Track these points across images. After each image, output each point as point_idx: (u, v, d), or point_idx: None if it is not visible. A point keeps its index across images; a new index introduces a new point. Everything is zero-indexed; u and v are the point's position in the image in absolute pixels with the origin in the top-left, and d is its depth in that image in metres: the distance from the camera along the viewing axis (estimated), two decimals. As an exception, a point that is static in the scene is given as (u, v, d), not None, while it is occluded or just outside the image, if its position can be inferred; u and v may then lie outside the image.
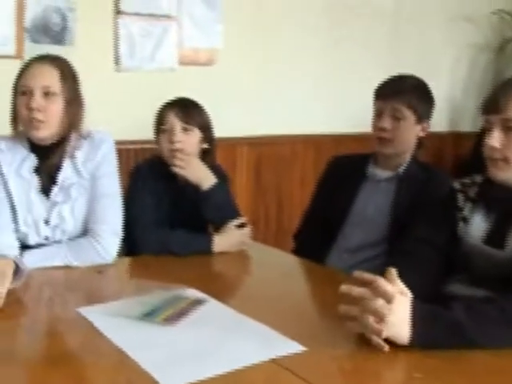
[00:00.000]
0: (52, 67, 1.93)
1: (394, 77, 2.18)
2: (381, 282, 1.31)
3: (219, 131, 3.28)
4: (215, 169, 2.31)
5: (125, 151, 2.99)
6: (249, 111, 3.42)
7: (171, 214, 2.22)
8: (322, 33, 3.59)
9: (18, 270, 1.63)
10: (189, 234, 2.11)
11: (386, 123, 2.10)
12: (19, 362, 1.26)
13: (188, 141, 2.19)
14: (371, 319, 1.29)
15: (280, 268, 1.99)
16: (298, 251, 2.24)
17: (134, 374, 1.20)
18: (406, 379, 1.27)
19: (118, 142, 2.96)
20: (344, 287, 1.34)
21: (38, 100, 1.88)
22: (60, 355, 1.30)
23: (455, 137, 4.17)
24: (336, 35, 3.63)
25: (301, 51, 3.54)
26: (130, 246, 2.17)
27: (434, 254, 1.70)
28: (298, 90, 3.56)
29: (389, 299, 1.29)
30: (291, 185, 3.62)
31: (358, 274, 1.37)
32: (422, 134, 2.15)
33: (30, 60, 1.99)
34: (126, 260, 2.05)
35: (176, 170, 2.14)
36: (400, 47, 3.92)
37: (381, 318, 1.29)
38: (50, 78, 1.92)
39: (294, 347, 1.33)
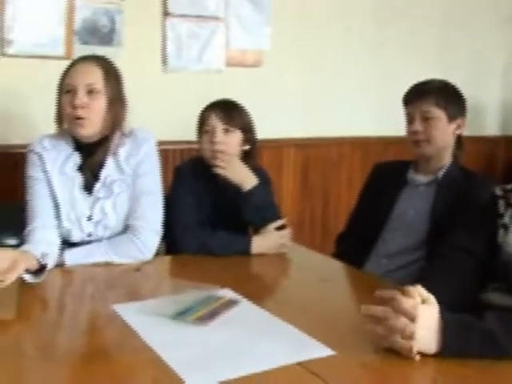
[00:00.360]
0: (95, 66, 1.98)
1: (420, 82, 2.20)
2: (400, 299, 1.29)
3: (266, 133, 3.30)
4: (257, 170, 2.31)
5: (171, 151, 3.04)
6: (296, 113, 3.43)
7: (212, 214, 2.24)
8: (368, 34, 3.58)
9: (41, 267, 1.70)
10: (228, 235, 2.12)
11: (418, 126, 2.11)
12: (55, 357, 1.29)
13: (229, 142, 2.20)
14: (399, 337, 1.28)
15: (318, 272, 1.97)
16: (338, 255, 2.22)
17: (160, 373, 1.22)
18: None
19: (165, 142, 3.02)
20: (364, 308, 1.33)
21: (81, 97, 1.93)
22: (91, 352, 1.34)
23: (508, 140, 4.07)
24: (382, 36, 3.61)
25: (348, 53, 3.53)
26: (171, 245, 2.21)
27: (470, 261, 1.67)
28: (345, 91, 3.55)
29: (412, 318, 1.27)
30: (338, 187, 3.60)
31: (378, 293, 1.35)
32: (457, 132, 2.15)
33: (75, 60, 2.05)
34: (165, 259, 2.08)
35: (217, 170, 2.16)
36: (450, 49, 3.86)
37: (409, 336, 1.27)
38: (93, 76, 1.96)
39: (322, 351, 1.32)
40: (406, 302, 1.29)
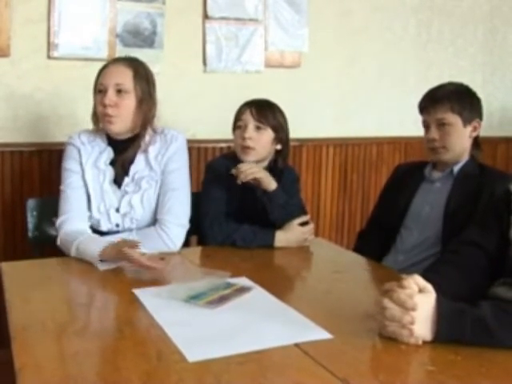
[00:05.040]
0: (126, 67, 2.11)
1: (433, 88, 2.21)
2: (397, 290, 1.35)
3: (305, 132, 3.39)
4: (287, 169, 2.40)
5: (211, 149, 3.14)
6: (335, 112, 3.48)
7: (241, 209, 2.31)
8: (409, 33, 3.59)
9: None
10: (252, 229, 2.20)
11: (434, 134, 2.14)
12: (71, 332, 1.41)
13: (259, 139, 2.28)
14: (397, 326, 1.34)
15: (335, 264, 2.05)
16: (358, 251, 2.28)
17: (164, 347, 1.32)
18: (417, 371, 1.30)
19: (205, 141, 3.14)
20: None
21: (110, 97, 2.06)
22: (106, 328, 1.46)
23: None
24: (424, 36, 3.62)
25: (388, 52, 3.55)
26: (201, 237, 2.31)
27: (480, 256, 1.69)
28: (385, 91, 3.58)
29: (408, 307, 1.32)
30: (377, 187, 3.62)
31: (384, 286, 1.41)
32: (474, 135, 2.16)
33: (108, 62, 2.19)
34: (191, 249, 2.19)
35: (251, 176, 2.18)
36: (497, 48, 3.84)
37: (408, 324, 1.32)
38: (122, 76, 2.09)
39: (320, 334, 1.39)
40: (403, 292, 1.35)
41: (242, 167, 2.19)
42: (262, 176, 2.20)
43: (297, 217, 2.24)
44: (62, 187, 2.14)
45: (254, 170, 2.19)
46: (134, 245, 1.82)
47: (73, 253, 1.96)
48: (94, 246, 1.89)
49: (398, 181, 2.36)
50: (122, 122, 2.09)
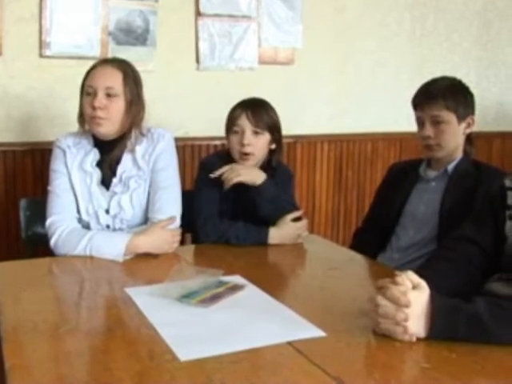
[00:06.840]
0: (115, 70, 2.09)
1: (427, 83, 2.17)
2: (390, 286, 1.34)
3: (299, 129, 3.38)
4: (280, 167, 2.39)
5: (205, 147, 3.13)
6: (329, 109, 3.47)
7: (234, 207, 2.30)
8: (403, 29, 3.59)
9: None
10: (245, 226, 2.18)
11: (429, 131, 2.10)
12: (61, 331, 1.39)
13: (257, 144, 2.26)
14: (391, 323, 1.32)
15: (330, 261, 2.03)
16: (355, 249, 2.26)
17: (156, 347, 1.30)
18: (412, 368, 1.29)
19: (198, 139, 3.13)
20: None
21: (100, 99, 2.04)
22: (96, 328, 1.44)
23: None
24: (419, 31, 3.62)
25: (383, 48, 3.55)
26: (195, 235, 2.29)
27: (475, 252, 1.68)
28: (380, 87, 3.58)
29: (402, 303, 1.31)
30: (373, 183, 3.62)
31: (378, 283, 1.40)
32: (468, 131, 2.14)
33: (96, 62, 2.16)
34: (185, 248, 2.18)
35: (230, 183, 2.19)
36: (491, 43, 3.83)
37: (402, 321, 1.31)
38: (112, 79, 2.07)
39: (314, 332, 1.38)
40: (397, 289, 1.34)
41: (225, 174, 2.19)
42: (241, 180, 2.18)
43: (288, 212, 2.22)
44: (49, 188, 2.12)
45: (231, 175, 2.18)
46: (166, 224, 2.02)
47: (80, 249, 1.94)
48: (119, 239, 1.93)
49: (392, 180, 2.35)
50: (111, 123, 2.08)
